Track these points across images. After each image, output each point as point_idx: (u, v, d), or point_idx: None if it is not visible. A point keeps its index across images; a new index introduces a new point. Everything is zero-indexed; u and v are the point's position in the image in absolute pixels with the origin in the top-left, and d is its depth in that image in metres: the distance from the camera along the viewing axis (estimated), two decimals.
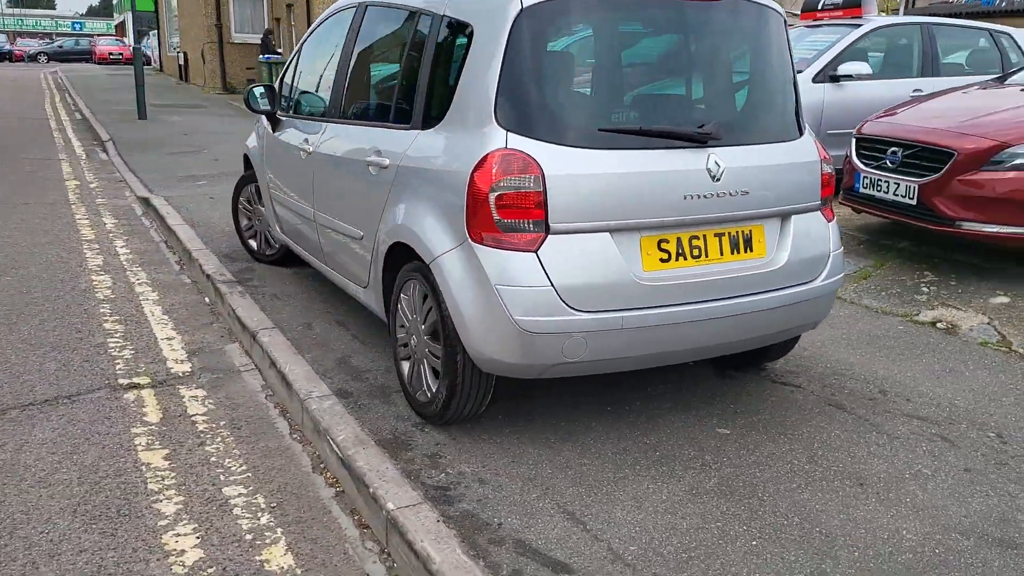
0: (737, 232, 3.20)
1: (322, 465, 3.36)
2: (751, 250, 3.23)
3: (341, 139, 4.04)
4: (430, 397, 3.31)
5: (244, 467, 3.33)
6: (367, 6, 4.08)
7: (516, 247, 2.89)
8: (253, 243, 5.86)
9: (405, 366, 3.55)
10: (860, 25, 8.03)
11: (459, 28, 3.25)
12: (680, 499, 2.89)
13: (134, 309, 5.17)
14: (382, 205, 3.54)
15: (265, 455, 3.43)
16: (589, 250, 2.94)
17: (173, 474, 3.26)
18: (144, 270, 6.06)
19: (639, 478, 3.03)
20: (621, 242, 2.98)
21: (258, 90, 4.92)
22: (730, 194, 3.11)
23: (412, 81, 3.53)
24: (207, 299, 5.43)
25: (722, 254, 3.16)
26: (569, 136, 2.95)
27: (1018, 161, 5.12)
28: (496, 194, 2.88)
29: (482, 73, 3.04)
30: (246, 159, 5.76)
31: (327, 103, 4.30)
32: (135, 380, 4.13)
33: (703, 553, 2.59)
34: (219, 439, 3.56)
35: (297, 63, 4.94)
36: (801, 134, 3.43)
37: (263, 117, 5.30)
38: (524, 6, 2.97)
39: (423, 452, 3.20)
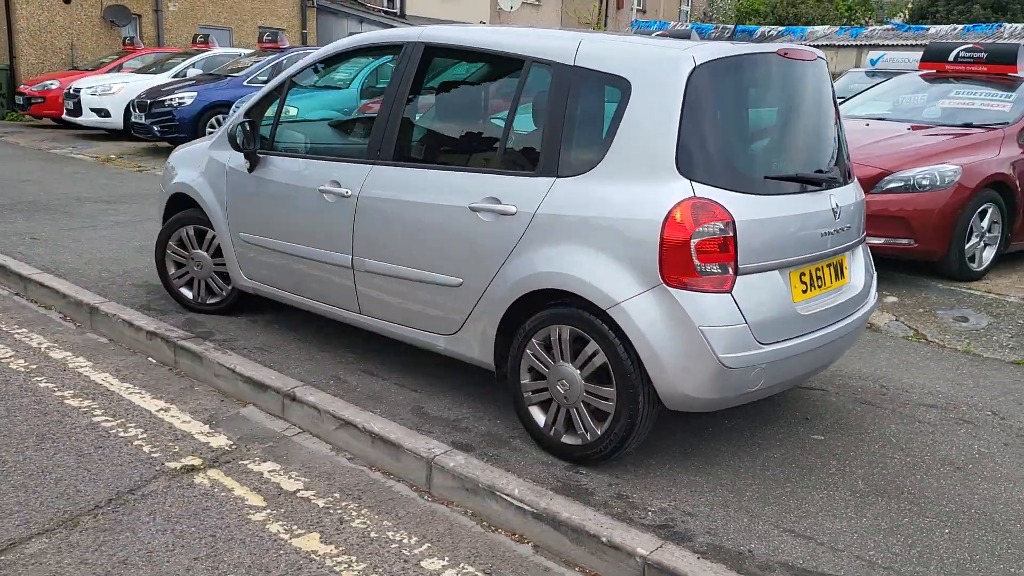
0: (838, 262, 3.67)
1: (485, 523, 3.27)
2: (843, 277, 3.72)
3: (414, 184, 3.87)
4: (593, 439, 3.36)
5: (415, 538, 3.14)
6: (427, 47, 3.95)
7: (713, 289, 3.09)
8: (187, 291, 5.25)
9: (537, 411, 3.55)
10: None
11: (607, 81, 3.35)
12: (854, 502, 3.28)
13: (82, 381, 4.44)
14: (504, 253, 3.50)
15: (421, 522, 3.26)
16: (766, 287, 3.22)
17: (354, 558, 2.99)
18: (36, 332, 5.17)
19: (802, 489, 3.37)
20: (784, 278, 3.30)
21: (244, 126, 4.47)
22: (843, 229, 3.57)
23: (533, 129, 3.55)
24: (152, 359, 4.80)
25: (831, 282, 3.61)
26: (743, 183, 3.21)
27: (891, 185, 6.23)
28: (696, 240, 3.06)
29: (654, 126, 3.19)
30: (173, 200, 5.17)
31: (372, 144, 4.07)
32: (186, 462, 3.63)
33: (922, 546, 3.00)
34: (354, 512, 3.30)
35: (284, 99, 4.57)
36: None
37: (211, 153, 4.83)
38: (697, 63, 3.18)
39: (608, 494, 3.26)
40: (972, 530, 3.12)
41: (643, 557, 2.85)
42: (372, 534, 3.15)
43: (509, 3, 27.40)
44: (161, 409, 4.17)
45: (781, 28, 20.70)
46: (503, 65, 3.76)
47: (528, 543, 3.14)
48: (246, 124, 4.45)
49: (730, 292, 3.12)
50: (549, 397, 3.51)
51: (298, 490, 3.46)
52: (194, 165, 5.06)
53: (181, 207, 5.19)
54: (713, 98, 3.22)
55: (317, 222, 4.28)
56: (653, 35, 3.93)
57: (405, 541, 3.12)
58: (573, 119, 3.41)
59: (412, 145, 4.06)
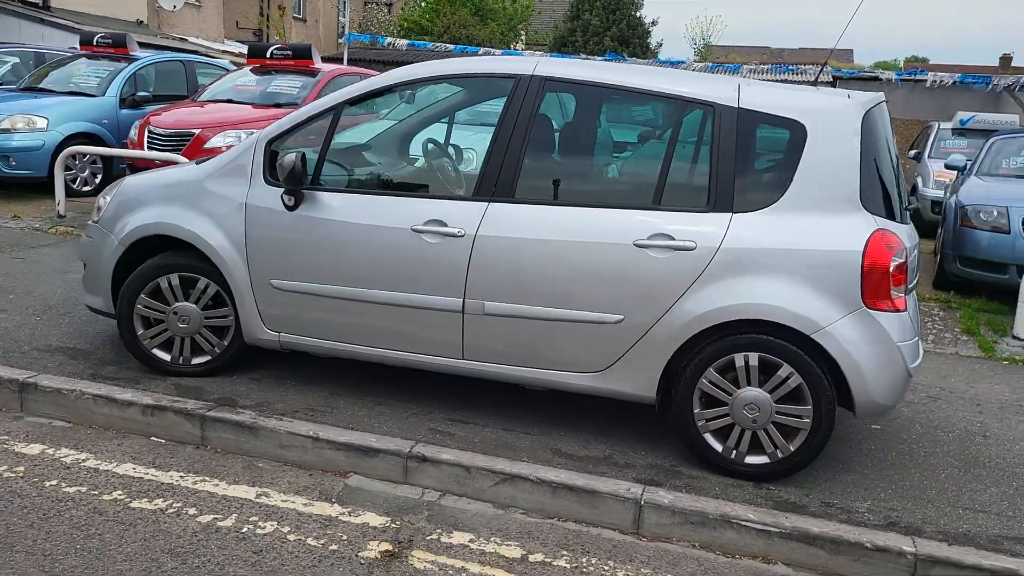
0: None
1: (724, 552, 3.36)
2: None
3: (555, 222, 3.73)
4: (785, 455, 3.61)
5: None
6: (547, 81, 3.83)
7: (899, 309, 3.54)
8: (162, 353, 4.37)
9: (711, 438, 3.69)
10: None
11: (779, 123, 3.61)
12: (964, 479, 3.93)
13: (118, 479, 3.58)
14: (680, 288, 3.60)
15: (669, 562, 3.25)
16: (912, 304, 3.75)
17: None
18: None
19: (912, 471, 3.95)
20: (914, 296, 3.87)
21: (297, 159, 3.88)
22: None
23: (695, 166, 3.68)
24: (158, 438, 3.97)
25: None
26: (895, 214, 3.69)
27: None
28: (894, 266, 3.48)
29: (837, 165, 3.54)
30: (136, 245, 4.30)
31: (485, 181, 3.83)
32: (381, 549, 3.17)
33: None
34: (604, 566, 3.18)
35: (334, 129, 4.05)
36: None
37: (211, 187, 4.15)
38: (866, 111, 3.59)
39: (816, 505, 3.53)
40: None
41: (913, 554, 3.20)
42: None
43: (171, 2, 25.27)
44: (260, 494, 3.52)
45: (452, 46, 21.86)
46: (647, 104, 3.82)
47: (777, 563, 3.31)
48: (299, 157, 3.89)
49: (907, 311, 3.59)
50: (728, 423, 3.67)
51: (525, 555, 3.22)
52: (178, 201, 4.24)
53: (147, 253, 4.32)
54: (874, 140, 3.66)
55: (409, 265, 3.90)
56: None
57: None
58: (745, 158, 3.62)
59: (541, 182, 3.91)
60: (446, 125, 4.42)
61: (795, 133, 3.59)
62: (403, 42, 21.47)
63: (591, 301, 3.72)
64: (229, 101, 9.47)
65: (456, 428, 4.02)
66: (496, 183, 3.83)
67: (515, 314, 3.81)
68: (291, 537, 3.21)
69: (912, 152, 12.78)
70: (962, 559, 3.19)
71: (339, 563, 3.06)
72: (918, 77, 17.76)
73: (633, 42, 32.12)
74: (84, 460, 3.72)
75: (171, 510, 3.34)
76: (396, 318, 3.99)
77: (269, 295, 4.14)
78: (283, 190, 4.04)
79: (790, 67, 22.26)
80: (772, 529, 3.33)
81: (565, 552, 3.27)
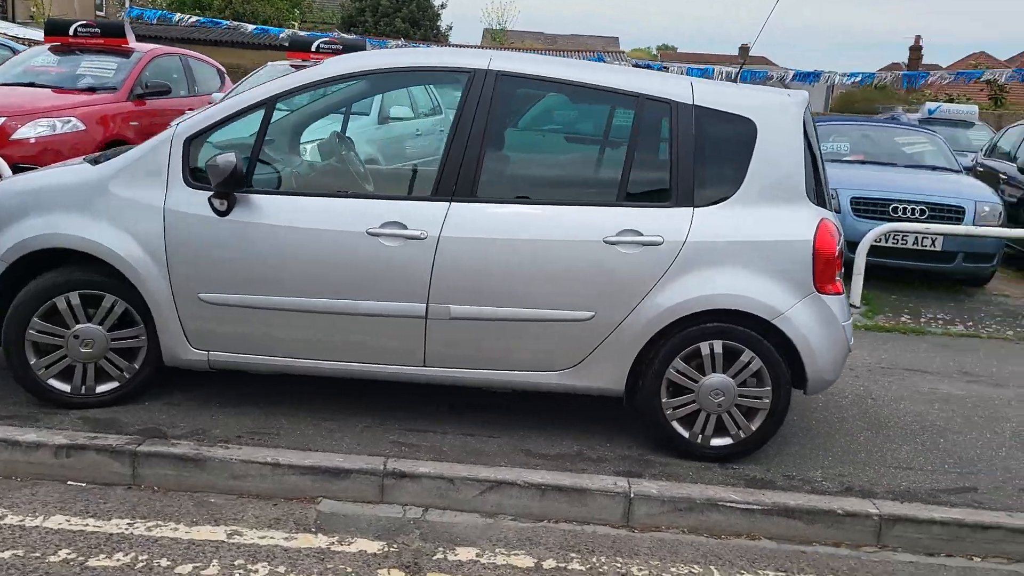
0: None
1: (712, 534, 3.50)
2: None
3: (519, 222, 3.65)
4: (747, 435, 3.80)
5: (694, 566, 3.24)
6: (502, 76, 3.70)
7: (839, 292, 3.83)
8: (61, 384, 3.80)
9: (678, 425, 3.81)
10: None
11: (730, 120, 3.75)
12: (879, 440, 4.34)
13: (61, 536, 3.10)
14: (650, 282, 3.66)
15: (671, 551, 3.33)
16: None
17: None
18: None
19: (837, 437, 4.32)
20: None
21: (234, 157, 3.49)
22: None
23: (654, 162, 3.74)
24: (76, 482, 3.49)
25: None
26: (827, 204, 3.96)
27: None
28: (837, 252, 3.75)
29: (785, 160, 3.74)
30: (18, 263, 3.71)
31: (444, 181, 3.66)
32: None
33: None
34: (617, 564, 3.21)
35: (267, 125, 3.68)
36: None
37: (118, 191, 3.68)
38: (803, 108, 3.82)
39: (783, 479, 3.75)
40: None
41: (877, 515, 3.50)
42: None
43: None
44: (231, 533, 3.19)
45: (251, 26, 20.58)
46: (605, 101, 3.81)
47: (761, 538, 3.49)
48: (233, 155, 3.52)
49: (842, 292, 3.89)
50: (693, 409, 3.80)
51: (538, 563, 3.17)
52: (74, 208, 3.70)
53: (28, 271, 3.74)
54: (809, 135, 3.90)
55: (365, 270, 3.67)
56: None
57: (693, 571, 3.20)
58: (702, 154, 3.74)
59: (503, 181, 3.79)
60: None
61: (746, 129, 3.76)
62: (193, 18, 19.88)
63: (561, 299, 3.70)
64: (31, 85, 8.33)
65: (417, 439, 3.85)
66: (456, 182, 3.69)
67: (483, 316, 3.70)
68: None
69: None
70: (917, 515, 3.53)
71: None
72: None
73: (424, 24, 32.00)
74: (2, 517, 3.17)
75: (140, 564, 2.94)
76: (349, 328, 3.74)
77: (196, 310, 3.72)
78: (211, 193, 3.64)
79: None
80: (755, 507, 3.51)
81: (573, 554, 3.25)
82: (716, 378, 3.75)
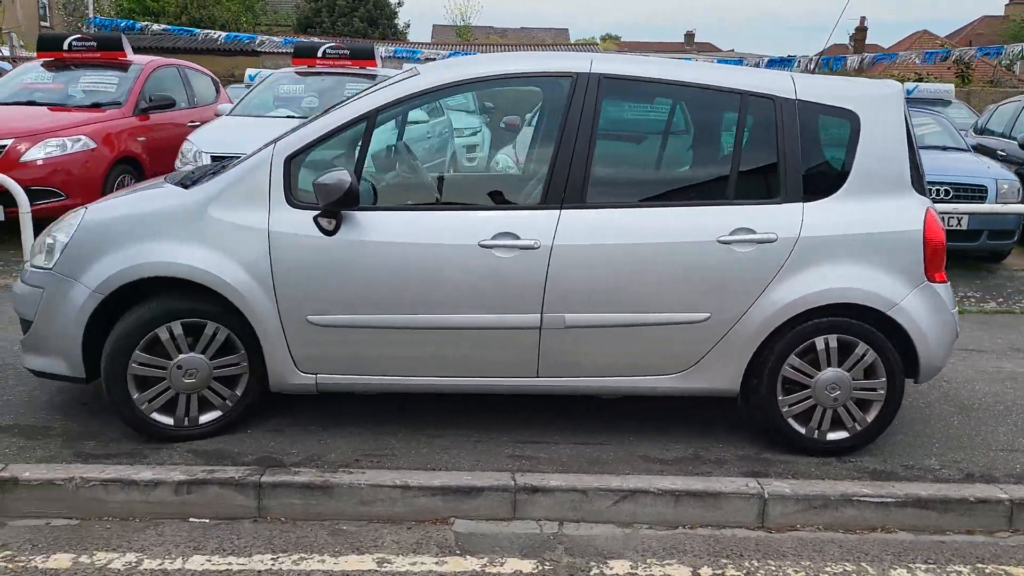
0: None
1: (850, 530, 3.50)
2: None
3: (632, 226, 3.61)
4: (863, 427, 3.81)
5: (846, 564, 3.24)
6: (603, 78, 3.64)
7: (944, 280, 3.85)
8: (163, 417, 3.67)
9: (796, 423, 3.79)
10: None
11: (834, 113, 3.74)
12: (973, 423, 4.39)
13: None
14: (765, 280, 3.64)
15: (817, 550, 3.33)
16: None
17: None
18: None
19: (932, 423, 4.36)
20: None
21: (343, 176, 3.38)
22: None
23: (762, 158, 3.72)
24: (200, 518, 3.36)
25: None
26: (926, 193, 3.97)
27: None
28: (943, 241, 3.77)
29: (890, 151, 3.75)
30: (108, 298, 3.56)
31: (553, 188, 3.59)
32: None
33: None
34: (783, 569, 3.19)
35: (370, 139, 3.58)
36: None
37: (219, 215, 3.55)
38: (903, 96, 3.83)
39: (902, 470, 3.77)
40: None
41: (1008, 500, 3.52)
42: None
43: None
44: (380, 561, 3.11)
45: (221, 34, 20.18)
46: (708, 99, 3.78)
47: (896, 531, 3.49)
48: (347, 173, 3.41)
49: (947, 280, 3.91)
50: (809, 405, 3.79)
51: (694, 572, 3.13)
52: (173, 234, 3.56)
53: (121, 303, 3.60)
54: (910, 125, 3.91)
55: (478, 284, 3.59)
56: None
57: (847, 569, 3.20)
58: (808, 148, 3.73)
59: (612, 185, 3.73)
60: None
61: (850, 121, 3.75)
62: (158, 27, 19.39)
63: (676, 302, 3.66)
64: (30, 103, 8.03)
65: (532, 450, 3.79)
66: (565, 188, 3.62)
67: (598, 323, 3.65)
68: None
69: None
70: None
71: None
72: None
73: (382, 23, 31.68)
74: (139, 563, 3.04)
75: None
76: (462, 343, 3.66)
77: (305, 333, 3.61)
78: (318, 213, 3.53)
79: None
80: (888, 500, 3.51)
81: (724, 560, 3.22)
82: (831, 372, 3.75)
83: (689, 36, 61.17)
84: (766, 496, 3.48)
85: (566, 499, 3.46)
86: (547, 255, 3.57)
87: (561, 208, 3.62)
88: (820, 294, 3.66)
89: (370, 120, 3.61)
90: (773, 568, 3.18)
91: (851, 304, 3.69)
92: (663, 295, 3.65)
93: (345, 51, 8.72)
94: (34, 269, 3.70)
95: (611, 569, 3.13)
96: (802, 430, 3.81)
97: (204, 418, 3.73)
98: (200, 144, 7.22)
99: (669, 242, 3.63)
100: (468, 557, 3.17)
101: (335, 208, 3.46)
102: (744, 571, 3.15)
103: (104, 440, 3.71)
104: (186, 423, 3.70)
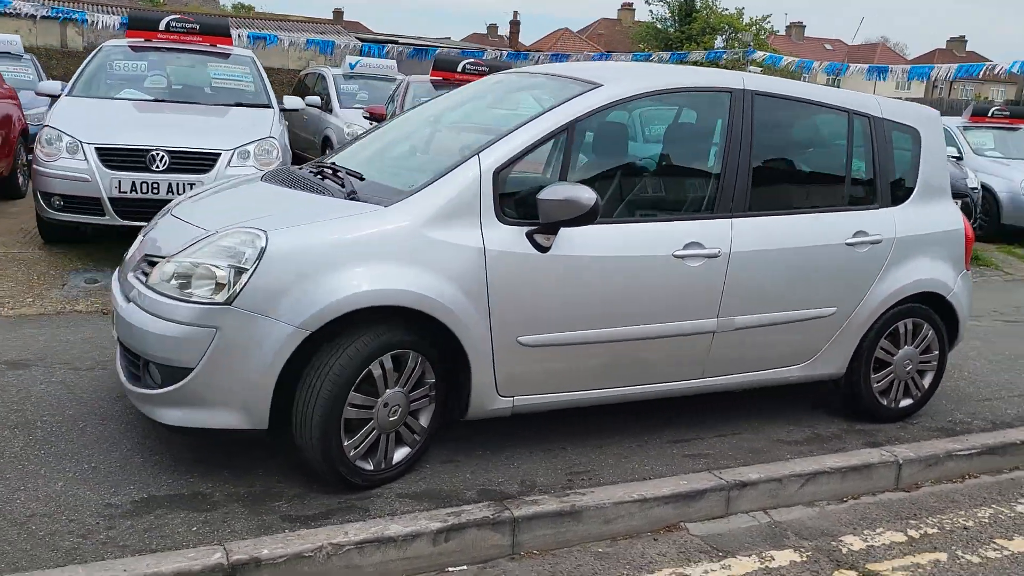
0: None
1: (956, 480, 4.22)
2: None
3: (780, 231, 3.92)
4: (922, 394, 4.56)
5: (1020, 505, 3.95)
6: (755, 95, 3.88)
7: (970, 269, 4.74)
8: (365, 463, 3.26)
9: (880, 396, 4.44)
10: None
11: (904, 129, 4.37)
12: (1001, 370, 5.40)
13: None
14: (873, 276, 4.21)
15: (950, 502, 3.99)
16: None
17: None
18: None
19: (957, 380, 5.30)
20: None
21: (589, 193, 3.25)
22: None
23: (863, 169, 4.24)
24: (458, 566, 3.13)
25: None
26: None
27: None
28: (973, 237, 4.64)
29: (940, 162, 4.50)
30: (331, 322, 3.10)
31: (723, 196, 3.78)
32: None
33: None
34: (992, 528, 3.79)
35: (572, 150, 3.45)
36: None
37: (434, 236, 3.26)
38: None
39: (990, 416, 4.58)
40: None
41: None
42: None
43: None
44: (675, 575, 3.15)
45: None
46: (822, 116, 4.17)
47: (980, 476, 4.27)
48: (591, 189, 3.30)
49: None
50: (890, 380, 4.45)
51: (907, 533, 3.60)
52: (387, 258, 3.16)
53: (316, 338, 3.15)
54: None
55: (673, 293, 3.69)
56: None
57: (993, 508, 3.89)
58: (891, 159, 4.34)
59: (764, 194, 3.97)
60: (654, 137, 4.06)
61: (915, 137, 4.43)
62: None
63: (814, 299, 4.08)
64: None
65: (696, 448, 3.99)
66: (733, 197, 3.85)
67: (759, 323, 3.95)
68: None
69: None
70: None
71: None
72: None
73: None
74: None
75: None
76: (652, 351, 3.74)
77: (513, 355, 3.43)
78: (534, 229, 3.37)
79: None
80: (974, 451, 4.28)
81: (912, 520, 3.73)
82: (907, 350, 4.44)
83: (338, 13, 60.71)
84: (900, 461, 4.06)
85: (766, 489, 3.73)
86: (726, 262, 3.78)
87: (732, 216, 3.83)
88: (911, 285, 4.32)
89: (570, 131, 3.51)
90: (952, 519, 3.75)
91: (926, 292, 4.39)
92: (806, 293, 4.05)
93: (193, 25, 7.71)
94: (210, 306, 3.03)
95: (850, 545, 3.48)
96: (884, 401, 4.46)
97: (396, 457, 3.37)
98: (75, 133, 6.03)
99: (811, 245, 4.03)
100: (739, 557, 3.31)
101: (571, 225, 3.33)
102: (936, 528, 3.69)
103: (289, 497, 3.20)
104: (383, 466, 3.32)
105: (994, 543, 3.56)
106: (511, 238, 3.35)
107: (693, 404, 4.28)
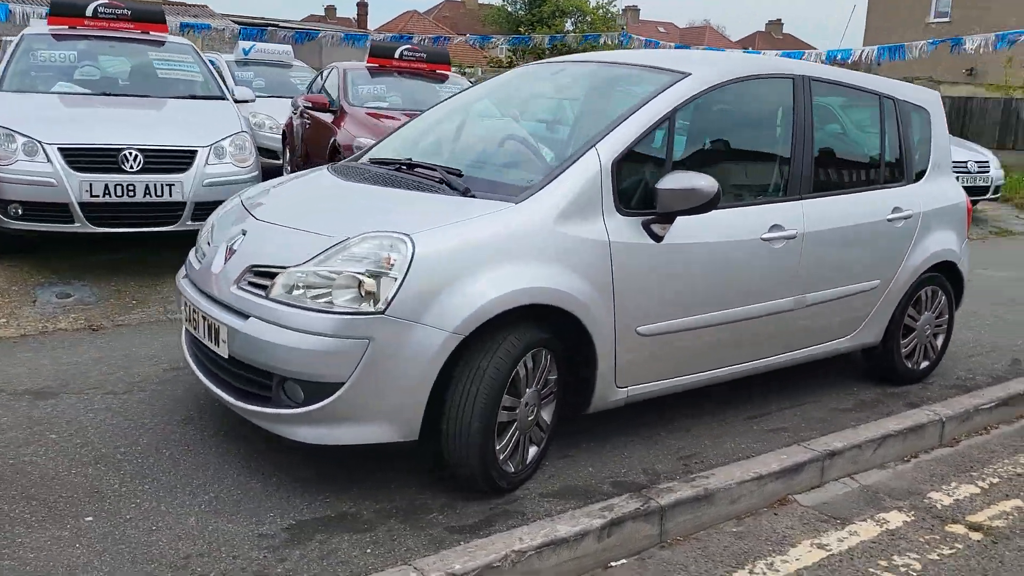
0: None
1: None
2: None
3: (838, 211, 4.12)
4: (936, 354, 4.94)
5: None
6: (813, 81, 4.04)
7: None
8: (508, 465, 3.19)
9: (904, 359, 4.77)
10: None
11: (918, 110, 4.68)
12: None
13: None
14: (905, 249, 4.51)
15: None
16: None
17: None
18: None
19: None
20: None
21: (711, 182, 3.31)
22: None
23: (893, 148, 4.51)
24: (619, 561, 3.15)
25: None
26: None
27: None
28: (971, 209, 5.04)
29: (944, 141, 4.85)
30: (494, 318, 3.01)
31: (793, 179, 3.94)
32: (952, 530, 3.49)
33: None
34: None
35: (672, 137, 3.47)
36: None
37: (564, 230, 3.23)
38: None
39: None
40: None
41: None
42: None
43: None
44: (817, 545, 3.29)
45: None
46: (859, 99, 4.39)
47: (998, 427, 4.68)
48: (711, 178, 3.35)
49: None
50: (914, 344, 4.79)
51: (980, 485, 3.91)
52: (524, 255, 3.09)
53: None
54: None
55: (762, 275, 3.82)
56: None
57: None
58: (912, 139, 4.64)
59: (822, 175, 4.13)
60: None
61: (927, 117, 4.76)
62: None
63: (861, 273, 4.33)
64: None
65: (772, 423, 4.15)
66: (800, 180, 4.01)
67: (824, 299, 4.15)
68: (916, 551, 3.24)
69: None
70: None
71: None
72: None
73: None
74: None
75: None
76: (744, 332, 3.86)
77: (632, 345, 3.45)
78: (651, 219, 3.39)
79: None
80: (993, 404, 4.67)
81: (973, 474, 4.04)
82: (927, 315, 4.80)
83: None
84: (943, 420, 4.39)
85: (849, 456, 3.94)
86: (801, 242, 3.94)
87: (801, 198, 4.00)
88: (934, 255, 4.66)
89: (671, 120, 3.54)
90: (1003, 468, 4.10)
91: (943, 261, 4.74)
92: (857, 268, 4.29)
93: (124, 11, 7.07)
94: (334, 315, 2.85)
95: (940, 501, 3.73)
96: (909, 364, 4.80)
97: (529, 456, 3.32)
98: (31, 132, 5.43)
99: (861, 223, 4.26)
100: (856, 522, 3.48)
101: (689, 213, 3.36)
102: (998, 476, 4.02)
103: (439, 508, 3.09)
104: (521, 467, 3.26)
105: None
106: (630, 229, 3.35)
107: (753, 381, 4.44)
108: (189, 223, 5.66)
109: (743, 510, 3.50)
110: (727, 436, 3.94)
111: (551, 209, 3.19)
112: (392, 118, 7.70)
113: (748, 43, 67.03)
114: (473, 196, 3.26)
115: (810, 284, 4.05)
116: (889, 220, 4.40)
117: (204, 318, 3.24)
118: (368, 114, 7.81)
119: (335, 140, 7.62)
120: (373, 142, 6.42)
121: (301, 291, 2.94)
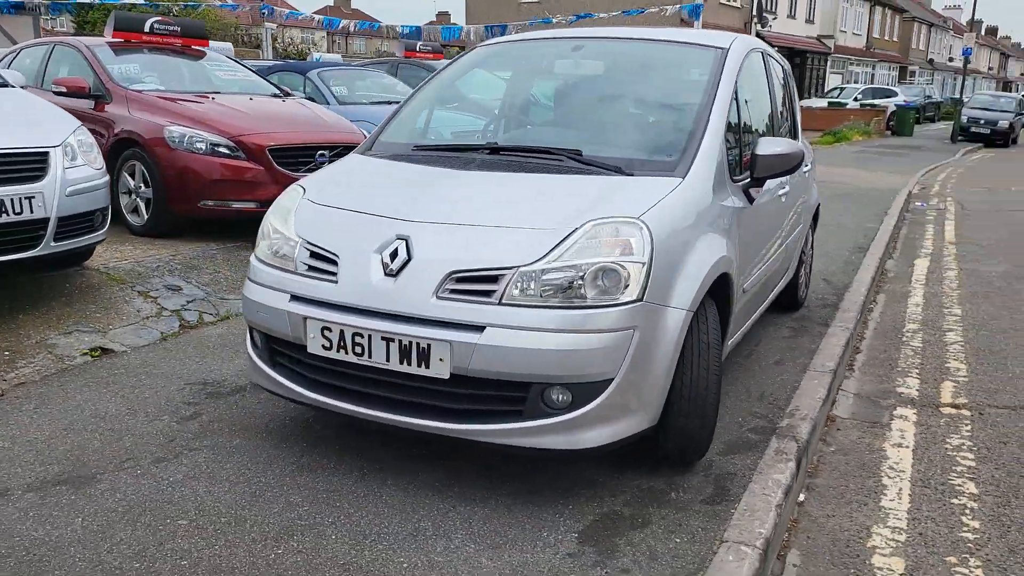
0: None
1: None
2: None
3: None
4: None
5: None
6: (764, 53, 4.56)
7: None
8: None
9: None
10: None
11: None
12: None
13: None
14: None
15: None
16: None
17: None
18: None
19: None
20: None
21: (798, 145, 3.69)
22: None
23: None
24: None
25: None
26: None
27: None
28: None
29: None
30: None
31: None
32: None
33: None
34: None
35: (738, 107, 3.74)
36: None
37: (720, 203, 3.40)
38: None
39: None
40: None
41: None
42: None
43: None
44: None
45: None
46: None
47: None
48: (792, 142, 3.72)
49: None
50: None
51: None
52: (707, 229, 3.21)
53: None
54: None
55: (780, 224, 4.36)
56: None
57: None
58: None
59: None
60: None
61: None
62: None
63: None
64: None
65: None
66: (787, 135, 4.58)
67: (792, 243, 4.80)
68: None
69: None
70: None
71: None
72: None
73: None
74: None
75: None
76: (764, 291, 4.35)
77: (740, 304, 3.73)
78: (748, 183, 3.68)
79: None
80: None
81: None
82: None
83: None
84: None
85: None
86: (788, 196, 4.52)
87: None
88: None
89: (737, 91, 3.80)
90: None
91: None
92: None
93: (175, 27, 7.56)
94: (599, 309, 2.71)
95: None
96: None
97: None
98: None
99: None
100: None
101: (781, 175, 3.68)
102: None
103: (669, 488, 3.10)
104: None
105: None
106: (737, 195, 3.59)
107: None
108: (53, 244, 4.52)
109: None
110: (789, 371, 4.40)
111: (707, 181, 3.30)
112: (193, 100, 6.75)
113: (321, 15, 67.88)
114: (631, 175, 3.24)
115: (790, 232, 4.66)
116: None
117: (391, 340, 2.79)
118: (161, 97, 6.72)
119: (123, 131, 6.44)
120: (252, 131, 5.85)
121: (546, 290, 2.72)
